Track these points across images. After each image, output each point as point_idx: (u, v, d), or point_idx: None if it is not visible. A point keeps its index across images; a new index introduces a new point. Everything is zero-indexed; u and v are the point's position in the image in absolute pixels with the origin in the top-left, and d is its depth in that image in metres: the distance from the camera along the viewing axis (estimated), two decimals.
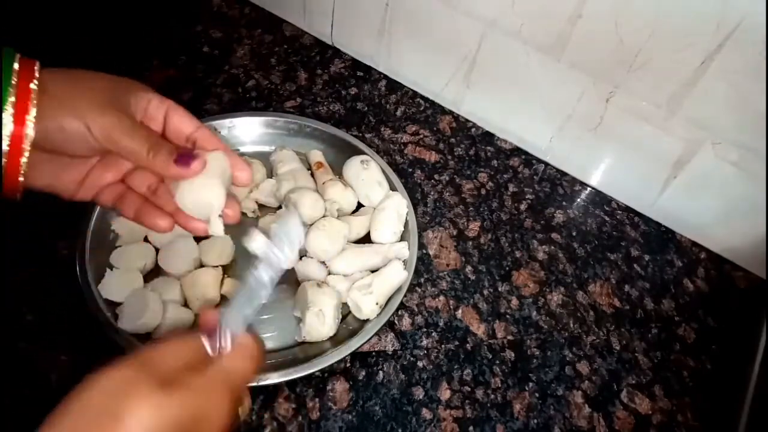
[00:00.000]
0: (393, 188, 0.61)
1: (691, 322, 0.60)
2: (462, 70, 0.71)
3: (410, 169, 0.69)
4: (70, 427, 0.26)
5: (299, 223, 0.39)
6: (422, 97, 0.77)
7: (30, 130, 0.34)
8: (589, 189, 0.71)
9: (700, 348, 0.58)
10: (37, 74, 0.35)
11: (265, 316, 0.53)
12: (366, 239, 0.59)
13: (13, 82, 0.34)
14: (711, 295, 0.63)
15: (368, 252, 0.56)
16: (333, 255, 0.55)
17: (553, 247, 0.64)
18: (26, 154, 0.35)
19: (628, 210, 0.69)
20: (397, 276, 0.53)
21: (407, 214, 0.59)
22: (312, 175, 0.62)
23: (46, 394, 0.46)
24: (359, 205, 0.61)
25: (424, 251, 0.61)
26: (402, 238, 0.58)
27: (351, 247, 0.56)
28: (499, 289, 0.59)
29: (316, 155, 0.64)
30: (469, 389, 0.52)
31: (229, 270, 0.55)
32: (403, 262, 0.55)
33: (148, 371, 0.28)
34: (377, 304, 0.51)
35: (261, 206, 0.60)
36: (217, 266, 0.54)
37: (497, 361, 0.54)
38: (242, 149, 0.65)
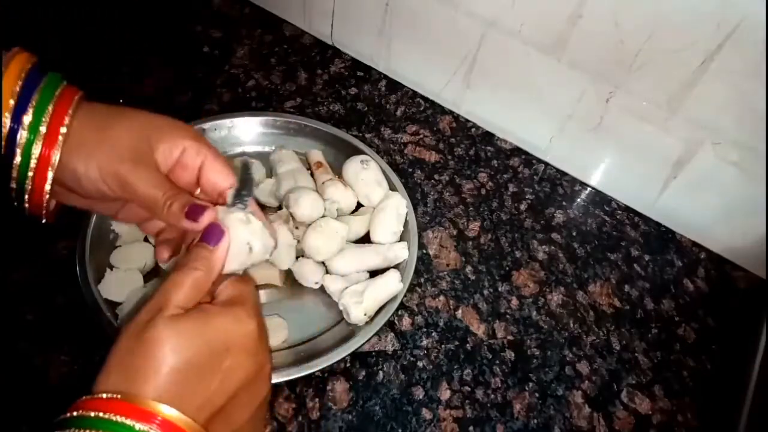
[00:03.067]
0: (393, 188, 0.61)
1: (691, 322, 0.60)
2: (462, 70, 0.71)
3: (410, 169, 0.69)
4: (116, 364, 0.29)
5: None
6: (422, 97, 0.77)
7: (56, 157, 0.34)
8: (589, 189, 0.71)
9: (700, 348, 0.58)
10: (73, 106, 0.35)
11: (265, 316, 0.53)
12: (365, 239, 0.59)
13: (49, 109, 0.34)
14: (711, 295, 0.63)
15: (368, 252, 0.56)
16: (329, 255, 0.55)
17: (553, 247, 0.64)
18: (49, 179, 0.35)
19: (628, 210, 0.69)
20: (392, 287, 0.53)
21: (407, 214, 0.59)
22: (312, 175, 0.62)
23: (46, 394, 0.46)
24: (359, 205, 0.61)
25: (424, 251, 0.61)
26: (402, 238, 0.58)
27: (350, 247, 0.56)
28: (499, 289, 0.59)
29: (316, 155, 0.64)
30: (469, 389, 0.52)
31: None
32: (401, 272, 0.54)
33: (161, 312, 0.31)
34: (365, 314, 0.51)
35: (261, 206, 0.60)
36: None
37: (497, 361, 0.54)
38: (242, 149, 0.65)
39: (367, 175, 0.60)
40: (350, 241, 0.58)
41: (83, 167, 0.35)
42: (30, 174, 0.34)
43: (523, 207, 0.67)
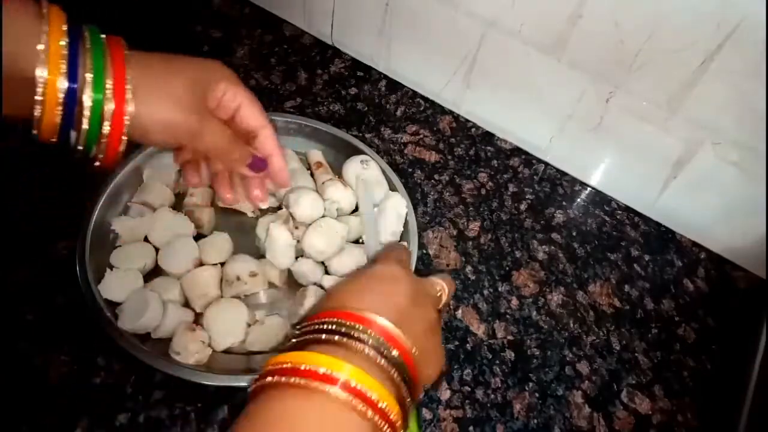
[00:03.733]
0: (393, 188, 0.61)
1: (691, 322, 0.60)
2: (462, 70, 0.71)
3: (410, 169, 0.69)
4: (367, 287, 0.37)
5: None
6: (422, 97, 0.77)
7: (131, 109, 0.35)
8: (589, 189, 0.71)
9: (700, 348, 0.58)
10: (126, 50, 0.36)
11: (265, 317, 0.53)
12: None
13: (108, 65, 0.35)
14: (711, 295, 0.63)
15: None
16: (330, 255, 0.55)
17: (553, 247, 0.64)
18: (125, 132, 0.35)
19: (628, 210, 0.69)
20: None
21: (407, 214, 0.59)
22: (312, 175, 0.62)
23: (46, 394, 0.46)
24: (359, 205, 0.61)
25: (424, 251, 0.61)
26: (402, 238, 0.58)
27: (350, 247, 0.56)
28: (499, 289, 0.59)
29: (316, 155, 0.64)
30: (469, 389, 0.52)
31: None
32: None
33: (401, 263, 0.40)
34: None
35: None
36: (216, 264, 0.54)
37: (497, 361, 0.54)
38: None
39: (367, 175, 0.60)
40: (350, 241, 0.58)
41: (150, 123, 0.37)
42: (106, 127, 0.34)
43: (523, 207, 0.67)
